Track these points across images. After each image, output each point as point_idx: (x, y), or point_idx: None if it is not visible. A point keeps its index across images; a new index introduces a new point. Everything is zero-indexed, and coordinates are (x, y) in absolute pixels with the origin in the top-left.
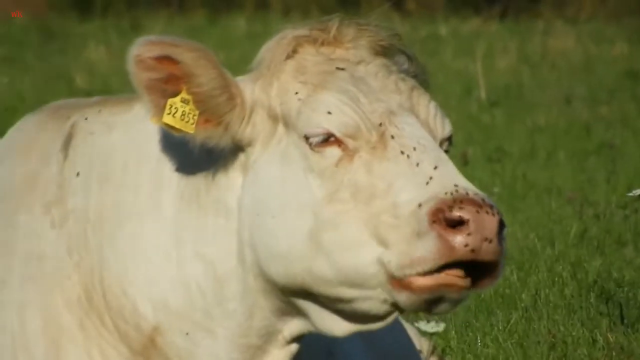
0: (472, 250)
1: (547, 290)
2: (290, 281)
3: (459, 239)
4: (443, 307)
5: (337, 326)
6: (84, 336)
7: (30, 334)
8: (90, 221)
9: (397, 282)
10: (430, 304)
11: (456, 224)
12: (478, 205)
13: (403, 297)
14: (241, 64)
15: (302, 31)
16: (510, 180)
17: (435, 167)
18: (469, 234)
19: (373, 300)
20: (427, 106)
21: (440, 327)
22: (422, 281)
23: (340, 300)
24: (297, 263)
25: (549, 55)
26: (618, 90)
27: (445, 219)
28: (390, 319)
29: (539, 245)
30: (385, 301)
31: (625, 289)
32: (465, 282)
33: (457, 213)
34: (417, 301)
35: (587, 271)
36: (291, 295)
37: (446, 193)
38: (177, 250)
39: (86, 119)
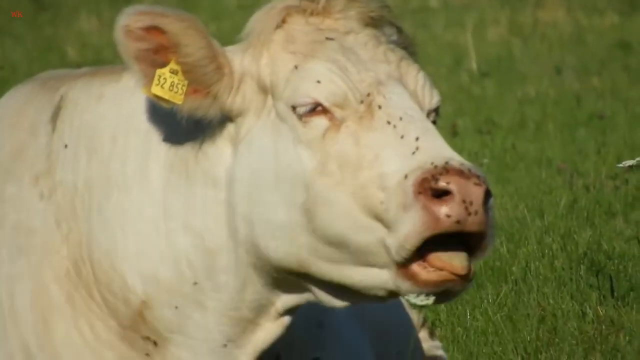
0: (458, 221)
1: (536, 263)
2: (288, 258)
3: (444, 210)
4: (444, 298)
5: (336, 300)
6: (73, 310)
7: (20, 308)
8: (79, 193)
9: (404, 270)
10: (432, 295)
11: (441, 194)
12: (464, 175)
13: (406, 286)
14: (232, 35)
15: (291, 1)
16: (500, 151)
17: (422, 138)
18: (454, 205)
19: (374, 282)
20: (415, 76)
21: (430, 300)
22: (427, 276)
23: (338, 283)
24: (298, 236)
25: (539, 26)
26: (608, 61)
27: (430, 189)
28: (390, 299)
29: (528, 217)
30: (386, 283)
31: (616, 261)
32: (468, 273)
33: (442, 183)
34: (419, 292)
35: (577, 243)
36: (286, 274)
37: (432, 163)
38: (166, 222)
39: (75, 90)
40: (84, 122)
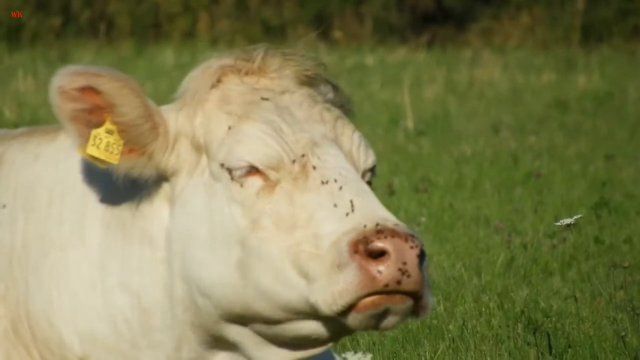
0: (393, 281)
1: (474, 321)
2: (226, 312)
3: (380, 269)
4: (391, 320)
5: (274, 357)
6: None
7: None
8: (16, 252)
9: None
10: (377, 319)
11: (377, 255)
12: (399, 235)
13: (350, 319)
14: (169, 94)
15: (227, 60)
16: (437, 210)
17: (356, 199)
18: (390, 264)
19: (315, 323)
20: (351, 137)
21: (367, 357)
22: (364, 298)
23: (281, 326)
24: (231, 294)
25: (476, 85)
26: (546, 120)
27: (365, 249)
28: (332, 342)
29: (465, 275)
30: (326, 322)
31: (553, 319)
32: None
33: (377, 244)
34: (364, 319)
35: (514, 301)
36: (229, 323)
37: (366, 225)
38: (102, 281)
39: (12, 150)
40: (21, 182)
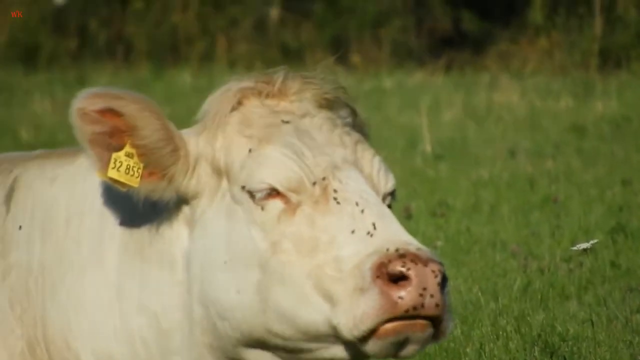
0: (414, 306)
1: (491, 345)
2: (246, 335)
3: (401, 294)
4: (410, 348)
5: None
6: None
7: None
8: (33, 274)
9: None
10: (397, 347)
11: (399, 279)
12: (420, 260)
13: (369, 346)
14: (187, 117)
15: (247, 83)
16: (454, 234)
17: (378, 222)
18: (411, 289)
19: (336, 348)
20: (371, 160)
21: None
22: (385, 324)
23: (301, 350)
24: (250, 318)
25: (494, 109)
26: (563, 145)
27: (387, 273)
28: None
29: (482, 299)
30: (348, 348)
31: (570, 343)
32: (426, 320)
33: (399, 268)
34: (384, 346)
35: (531, 325)
36: (248, 346)
37: (388, 248)
38: (120, 303)
39: (29, 172)
40: (38, 204)
